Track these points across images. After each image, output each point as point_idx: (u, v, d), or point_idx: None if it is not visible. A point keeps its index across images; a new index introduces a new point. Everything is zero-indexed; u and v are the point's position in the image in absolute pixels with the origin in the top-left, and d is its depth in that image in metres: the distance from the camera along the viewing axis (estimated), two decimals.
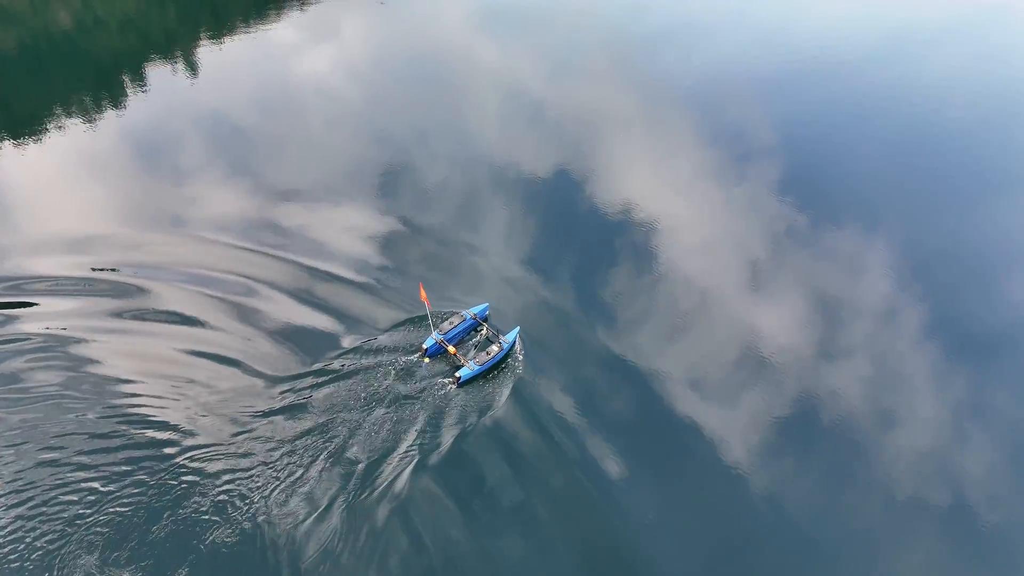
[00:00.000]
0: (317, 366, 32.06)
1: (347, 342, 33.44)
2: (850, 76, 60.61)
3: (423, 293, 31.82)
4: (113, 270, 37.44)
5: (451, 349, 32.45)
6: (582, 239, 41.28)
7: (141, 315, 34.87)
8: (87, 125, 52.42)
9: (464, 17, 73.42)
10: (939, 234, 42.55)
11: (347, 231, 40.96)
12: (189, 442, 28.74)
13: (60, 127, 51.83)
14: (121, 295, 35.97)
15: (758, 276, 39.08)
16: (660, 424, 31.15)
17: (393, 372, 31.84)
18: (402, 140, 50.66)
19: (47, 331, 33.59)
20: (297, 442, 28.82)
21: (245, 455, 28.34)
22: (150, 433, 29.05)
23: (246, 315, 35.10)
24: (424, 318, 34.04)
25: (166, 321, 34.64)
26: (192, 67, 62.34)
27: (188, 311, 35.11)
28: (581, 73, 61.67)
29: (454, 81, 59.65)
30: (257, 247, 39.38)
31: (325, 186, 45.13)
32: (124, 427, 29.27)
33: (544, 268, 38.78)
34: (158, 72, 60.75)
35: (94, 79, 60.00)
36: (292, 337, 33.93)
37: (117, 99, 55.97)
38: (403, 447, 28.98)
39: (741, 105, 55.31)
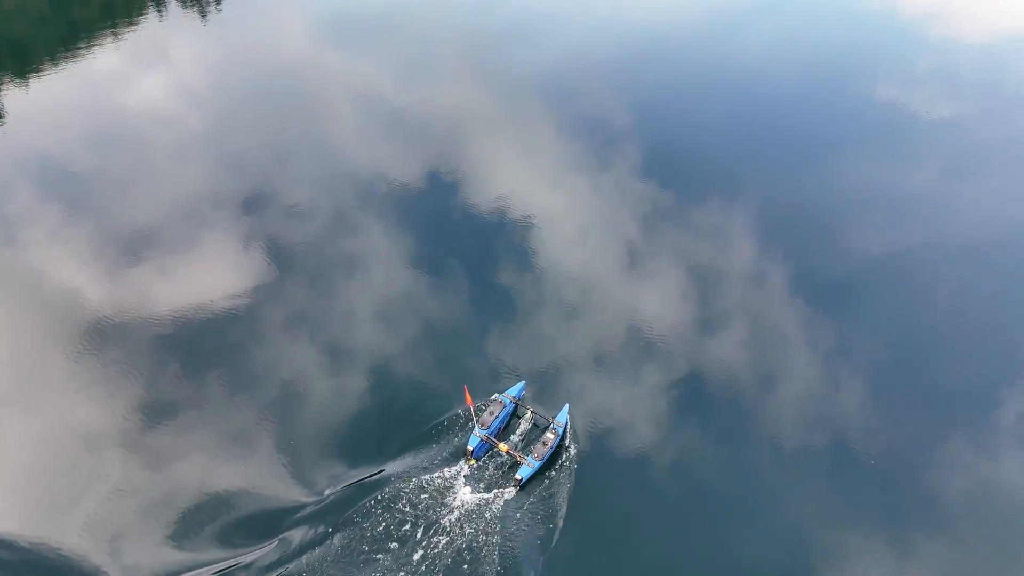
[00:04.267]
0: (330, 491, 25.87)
1: (366, 465, 27.41)
2: (685, 54, 62.21)
3: (468, 396, 26.58)
4: None
5: (503, 447, 27.22)
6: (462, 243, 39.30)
7: None
8: None
9: (304, 28, 67.98)
10: (786, 192, 44.40)
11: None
12: None
13: None
14: None
15: (636, 257, 38.75)
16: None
17: (437, 491, 26.12)
18: (266, 163, 46.06)
19: None
20: None
21: None
22: None
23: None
24: (457, 415, 28.61)
25: None
26: None
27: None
28: (437, 76, 58.70)
29: (306, 95, 55.08)
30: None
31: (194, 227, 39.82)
32: None
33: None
34: None
35: None
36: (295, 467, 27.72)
37: None
38: None
39: (594, 93, 55.00)
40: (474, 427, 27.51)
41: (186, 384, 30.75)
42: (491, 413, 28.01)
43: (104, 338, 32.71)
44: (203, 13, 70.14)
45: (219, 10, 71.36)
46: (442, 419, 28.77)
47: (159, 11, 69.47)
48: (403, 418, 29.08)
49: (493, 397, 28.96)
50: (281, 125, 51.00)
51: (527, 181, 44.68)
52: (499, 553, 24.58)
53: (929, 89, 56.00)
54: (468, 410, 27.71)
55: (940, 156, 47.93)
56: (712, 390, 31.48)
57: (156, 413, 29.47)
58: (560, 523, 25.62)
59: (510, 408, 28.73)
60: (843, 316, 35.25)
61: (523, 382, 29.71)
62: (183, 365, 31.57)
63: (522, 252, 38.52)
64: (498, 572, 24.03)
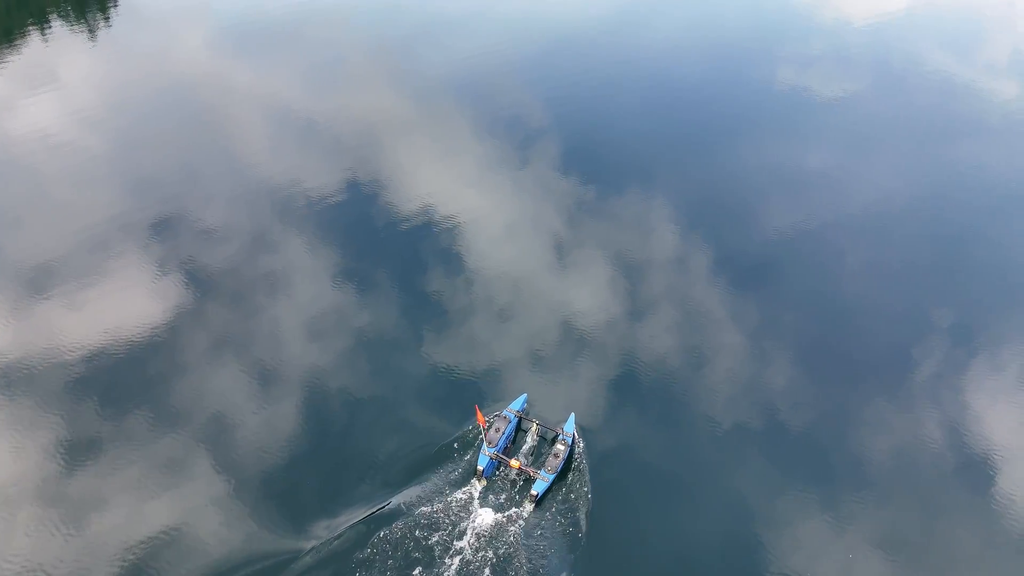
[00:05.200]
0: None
1: (368, 500, 25.96)
2: (593, 48, 63.02)
3: (480, 415, 25.58)
4: None
5: (514, 463, 26.30)
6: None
7: None
8: None
9: (202, 40, 64.20)
10: (700, 178, 45.46)
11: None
12: None
13: None
14: None
15: (562, 252, 38.92)
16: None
17: (451, 517, 24.98)
18: (173, 183, 43.27)
19: None
20: None
21: None
22: None
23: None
24: (459, 436, 27.54)
25: None
26: None
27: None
28: (348, 81, 57.05)
29: (211, 110, 52.22)
30: None
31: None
32: None
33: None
34: None
35: None
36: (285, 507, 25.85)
37: None
38: None
39: (508, 91, 55.00)
40: (482, 446, 26.48)
41: (125, 425, 28.29)
42: (497, 430, 27.02)
43: (9, 386, 29.62)
44: (91, 31, 65.22)
45: (108, 26, 66.67)
46: (445, 442, 27.50)
47: (42, 31, 64.03)
48: (402, 445, 27.62)
49: (496, 413, 28.01)
50: (187, 143, 48.17)
51: (452, 183, 43.94)
52: (525, 573, 23.72)
53: (824, 70, 58.98)
54: (480, 430, 26.61)
55: (838, 134, 50.41)
56: (661, 377, 31.82)
57: (86, 463, 26.99)
58: (584, 533, 25.00)
59: (515, 423, 27.86)
60: (764, 295, 36.51)
61: (525, 395, 28.92)
62: (107, 406, 29.03)
63: (474, 259, 37.70)
64: None
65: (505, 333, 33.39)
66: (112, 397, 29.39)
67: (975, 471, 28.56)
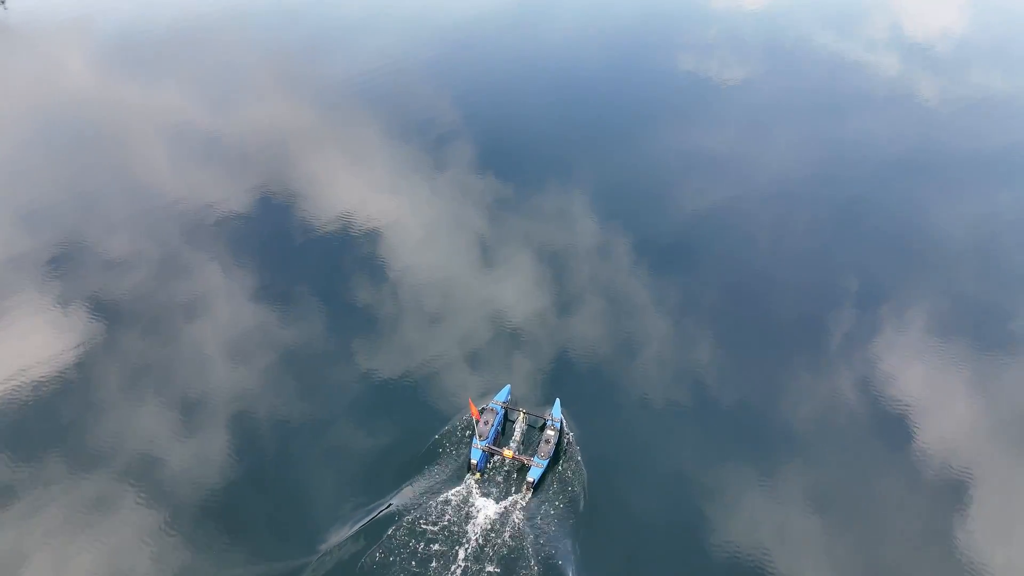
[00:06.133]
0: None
1: (363, 508, 25.67)
2: (496, 44, 64.44)
3: (473, 408, 25.61)
4: None
5: (507, 453, 26.57)
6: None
7: None
8: None
9: (89, 60, 60.75)
10: (612, 167, 47.02)
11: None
12: None
13: None
14: None
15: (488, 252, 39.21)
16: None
17: (452, 514, 24.96)
18: (70, 212, 40.94)
19: None
20: None
21: None
22: None
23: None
24: (447, 433, 27.54)
25: None
26: None
27: None
28: (250, 94, 55.60)
29: (105, 133, 49.75)
30: None
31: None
32: None
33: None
34: None
35: None
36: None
37: None
38: None
39: (415, 94, 55.29)
40: (473, 440, 26.51)
41: (44, 474, 26.57)
42: (486, 423, 27.19)
43: None
44: None
45: None
46: (432, 441, 27.48)
47: None
48: (389, 451, 27.41)
49: (483, 406, 28.07)
50: (81, 168, 45.53)
51: (365, 190, 43.57)
52: (534, 558, 24.00)
53: (720, 55, 62.09)
54: (473, 422, 26.60)
55: (739, 114, 53.03)
56: (629, 352, 32.63)
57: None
58: (584, 511, 25.61)
59: (502, 414, 28.13)
60: (683, 274, 37.72)
61: (508, 386, 29.25)
62: (20, 458, 27.12)
63: (414, 266, 37.39)
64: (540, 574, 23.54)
65: (471, 333, 33.41)
66: (25, 446, 27.40)
67: (890, 424, 30.01)
